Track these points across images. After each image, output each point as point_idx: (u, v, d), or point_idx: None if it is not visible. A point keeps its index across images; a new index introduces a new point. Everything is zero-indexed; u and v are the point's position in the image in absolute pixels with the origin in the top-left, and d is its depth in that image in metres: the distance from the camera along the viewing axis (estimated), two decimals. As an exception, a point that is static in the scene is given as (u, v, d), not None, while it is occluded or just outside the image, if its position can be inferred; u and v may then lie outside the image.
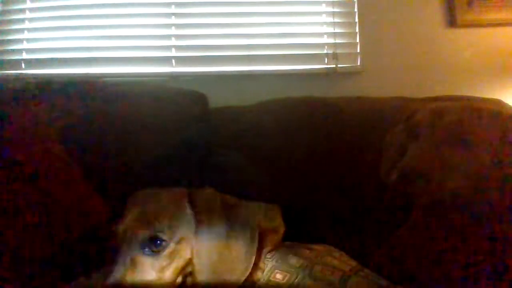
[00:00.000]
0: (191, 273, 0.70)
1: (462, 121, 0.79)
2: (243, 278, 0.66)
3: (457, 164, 0.75)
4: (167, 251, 0.64)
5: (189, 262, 0.67)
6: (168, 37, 1.72)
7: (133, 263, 0.63)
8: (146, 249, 0.64)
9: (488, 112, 0.83)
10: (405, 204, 0.95)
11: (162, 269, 0.64)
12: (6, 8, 1.69)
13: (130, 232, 0.65)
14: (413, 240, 0.85)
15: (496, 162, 0.76)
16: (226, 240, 0.67)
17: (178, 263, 0.65)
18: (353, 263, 0.83)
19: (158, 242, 0.64)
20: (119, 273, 0.61)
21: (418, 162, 0.75)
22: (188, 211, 0.69)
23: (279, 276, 0.74)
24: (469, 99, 1.29)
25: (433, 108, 0.84)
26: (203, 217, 0.68)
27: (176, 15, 1.73)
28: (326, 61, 1.70)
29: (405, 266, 0.85)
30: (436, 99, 1.34)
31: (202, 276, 0.65)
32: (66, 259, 0.86)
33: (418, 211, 0.87)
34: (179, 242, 0.66)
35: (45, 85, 1.26)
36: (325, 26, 1.73)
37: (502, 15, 1.69)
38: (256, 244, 0.70)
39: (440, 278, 0.77)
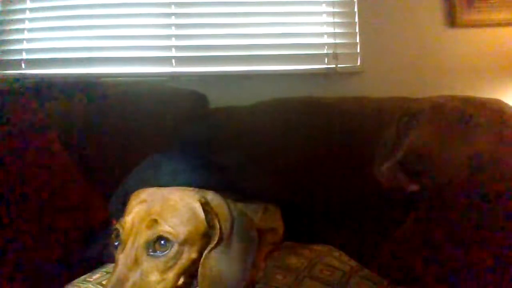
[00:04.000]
0: (191, 274, 0.70)
1: (463, 110, 0.80)
2: (244, 278, 0.66)
3: (457, 153, 0.76)
4: (172, 252, 0.64)
5: (193, 263, 0.66)
6: (168, 37, 1.72)
7: (136, 263, 0.62)
8: (151, 250, 0.63)
9: (489, 106, 0.84)
10: (404, 203, 0.95)
11: (165, 270, 0.63)
12: (6, 8, 1.69)
13: (134, 231, 0.64)
14: (414, 239, 0.85)
15: (493, 157, 0.77)
16: (230, 240, 0.67)
17: (182, 263, 0.65)
18: (353, 263, 0.84)
19: (163, 242, 0.64)
20: (121, 273, 0.61)
21: (422, 144, 0.76)
22: (199, 212, 0.69)
23: (279, 276, 0.74)
24: (469, 99, 1.28)
25: (434, 99, 0.86)
26: (212, 218, 0.68)
27: (176, 15, 1.73)
28: (326, 61, 1.70)
29: (406, 265, 0.85)
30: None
31: (205, 276, 0.65)
32: (66, 259, 0.86)
33: (420, 209, 0.86)
34: (184, 242, 0.65)
35: (45, 85, 1.26)
36: (325, 26, 1.73)
37: (502, 15, 1.69)
38: (256, 244, 0.70)
39: (441, 277, 0.77)
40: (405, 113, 0.88)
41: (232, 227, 0.69)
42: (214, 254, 0.66)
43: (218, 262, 0.66)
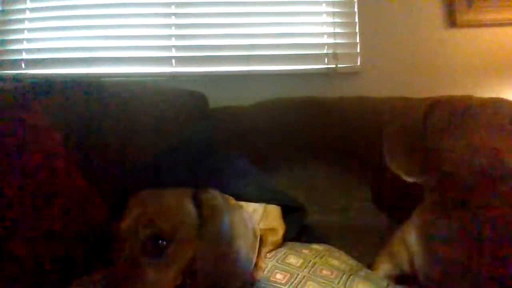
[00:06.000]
0: (191, 274, 0.70)
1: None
2: (244, 278, 0.66)
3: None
4: (168, 252, 0.64)
5: (191, 262, 0.67)
6: (168, 37, 1.72)
7: (134, 264, 0.63)
8: (147, 250, 0.64)
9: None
10: (406, 202, 0.95)
11: (163, 270, 0.64)
12: (6, 8, 1.69)
13: (131, 232, 0.65)
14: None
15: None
16: (228, 240, 0.67)
17: (179, 263, 0.65)
18: (353, 263, 0.84)
19: (160, 242, 0.64)
20: (120, 273, 0.61)
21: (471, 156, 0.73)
22: (193, 211, 0.69)
23: (279, 276, 0.74)
24: (469, 99, 1.28)
25: (466, 98, 0.82)
26: (207, 217, 0.68)
27: (176, 15, 1.73)
28: (326, 61, 1.70)
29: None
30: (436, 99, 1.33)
31: (203, 276, 0.65)
32: (65, 259, 0.86)
33: (425, 208, 0.86)
34: (181, 242, 0.65)
35: (45, 85, 1.25)
36: (325, 26, 1.73)
37: (502, 15, 1.69)
38: (257, 244, 0.70)
39: (441, 279, 0.77)
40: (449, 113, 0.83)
41: (229, 225, 0.69)
42: (213, 252, 0.66)
43: (217, 260, 0.66)
